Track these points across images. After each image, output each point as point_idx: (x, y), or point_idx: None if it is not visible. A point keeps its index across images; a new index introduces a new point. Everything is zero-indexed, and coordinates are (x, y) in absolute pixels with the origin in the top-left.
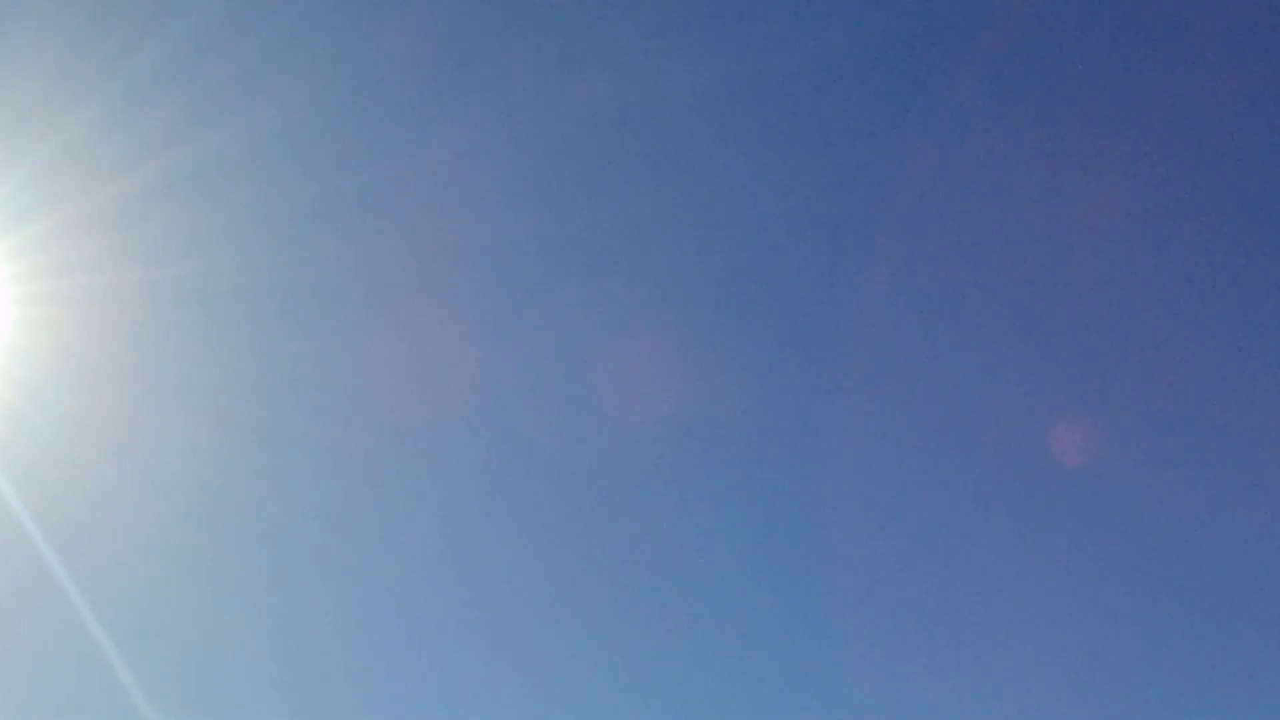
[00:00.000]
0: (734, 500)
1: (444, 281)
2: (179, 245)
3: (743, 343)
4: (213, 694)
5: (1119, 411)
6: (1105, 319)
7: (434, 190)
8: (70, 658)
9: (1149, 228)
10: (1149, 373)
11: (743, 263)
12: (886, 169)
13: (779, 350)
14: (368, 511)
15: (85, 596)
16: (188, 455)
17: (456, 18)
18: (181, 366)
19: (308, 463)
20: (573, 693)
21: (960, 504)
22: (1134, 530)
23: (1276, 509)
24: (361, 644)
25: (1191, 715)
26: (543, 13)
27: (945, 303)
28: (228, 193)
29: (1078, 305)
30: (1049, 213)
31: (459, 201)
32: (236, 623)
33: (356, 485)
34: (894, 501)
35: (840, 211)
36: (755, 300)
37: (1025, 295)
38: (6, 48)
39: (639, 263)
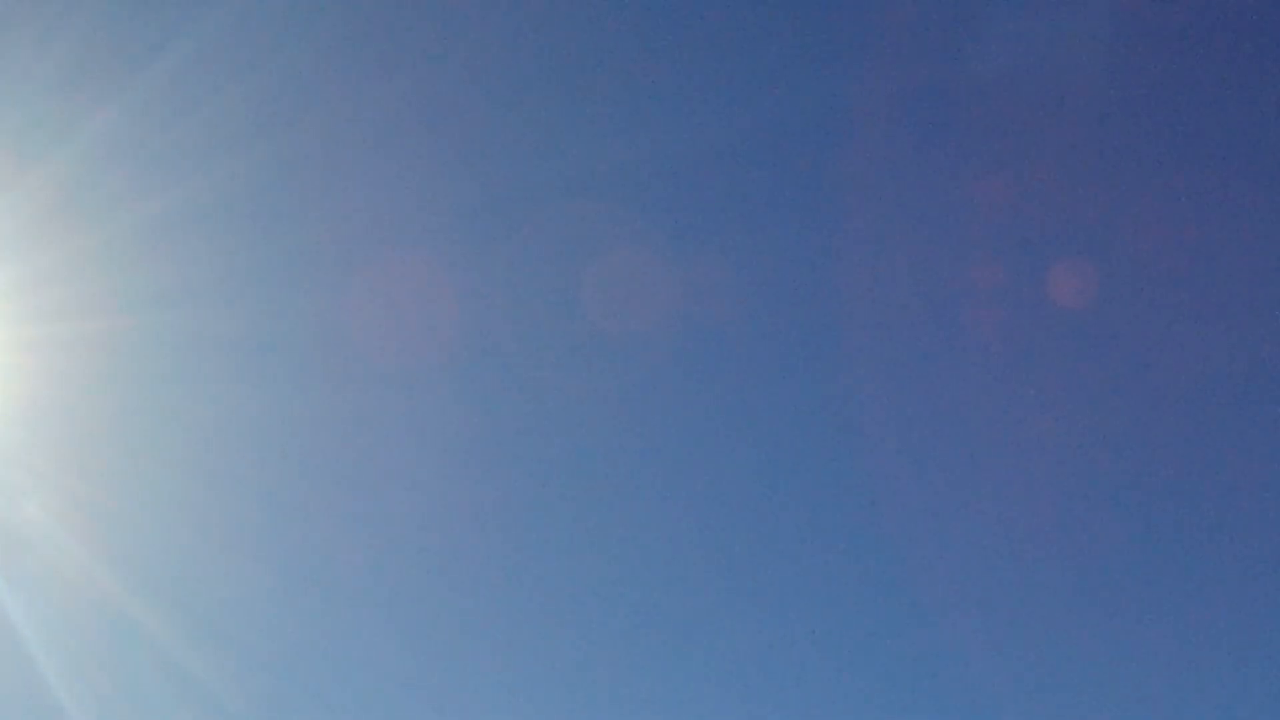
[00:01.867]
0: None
1: (424, 335)
2: (157, 294)
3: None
4: None
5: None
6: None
7: (409, 247)
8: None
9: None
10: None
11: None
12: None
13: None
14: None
15: (45, 646)
16: (163, 506)
17: (427, 69)
18: (158, 417)
19: (284, 515)
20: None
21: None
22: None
23: None
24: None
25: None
26: None
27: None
28: (208, 243)
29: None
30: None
31: (435, 256)
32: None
33: (339, 538)
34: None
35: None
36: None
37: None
38: None
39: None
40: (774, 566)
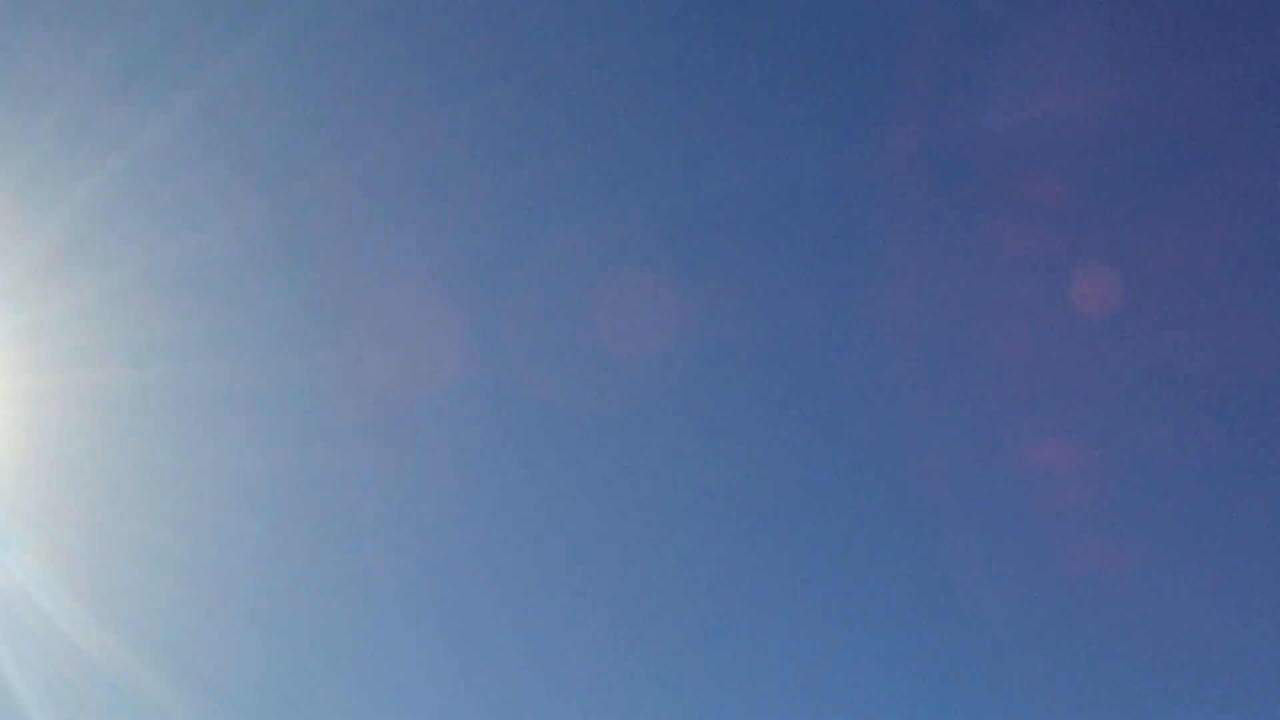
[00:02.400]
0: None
1: (428, 391)
2: (153, 347)
3: None
4: None
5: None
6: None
7: (420, 298)
8: None
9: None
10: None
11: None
12: None
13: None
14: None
15: (36, 698)
16: (155, 559)
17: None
18: (152, 470)
19: (276, 569)
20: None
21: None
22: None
23: None
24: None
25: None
26: None
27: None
28: (215, 295)
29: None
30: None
31: (441, 305)
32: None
33: (333, 594)
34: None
35: None
36: None
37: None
38: None
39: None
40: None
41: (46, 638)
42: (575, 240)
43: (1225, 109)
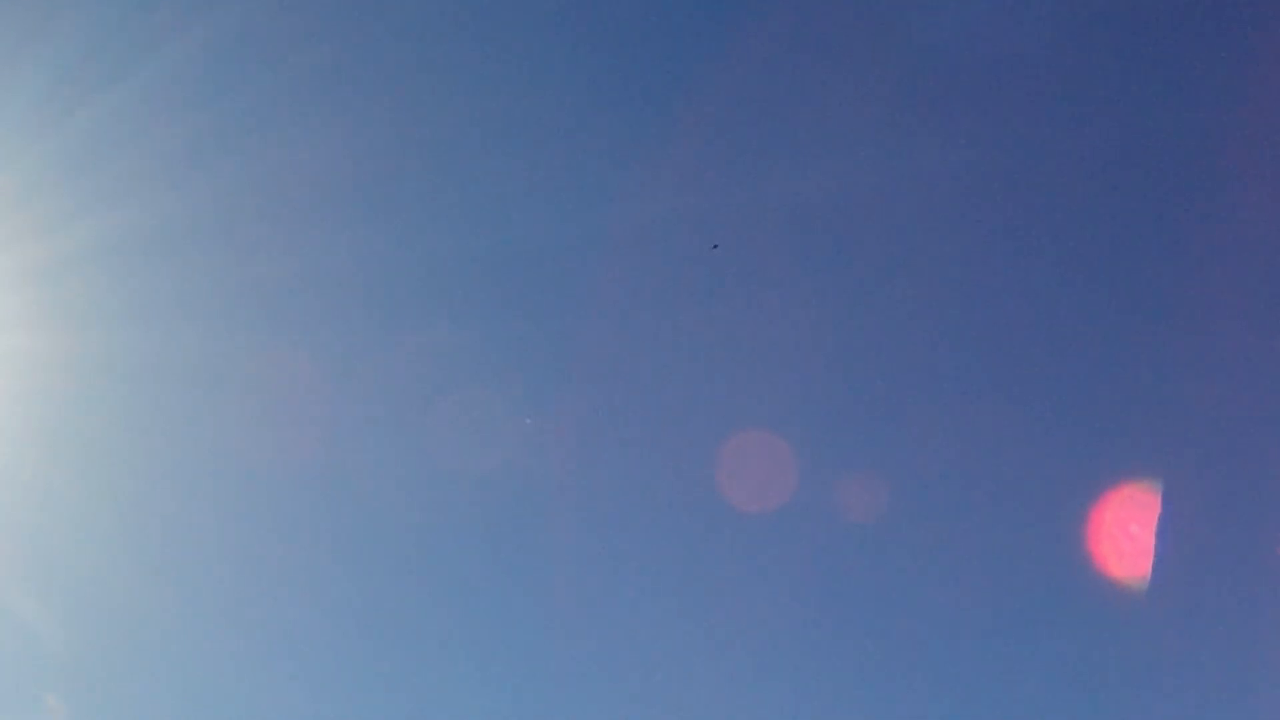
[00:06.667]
0: None
1: (388, 353)
2: (101, 312)
3: None
4: None
5: None
6: None
7: (377, 266)
8: None
9: None
10: None
11: None
12: None
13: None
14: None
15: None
16: (105, 526)
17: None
18: (96, 436)
19: (232, 535)
20: None
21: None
22: None
23: None
24: None
25: None
26: None
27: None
28: (157, 263)
29: None
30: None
31: (404, 280)
32: None
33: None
34: None
35: None
36: None
37: None
38: None
39: None
40: None
41: None
42: None
43: None
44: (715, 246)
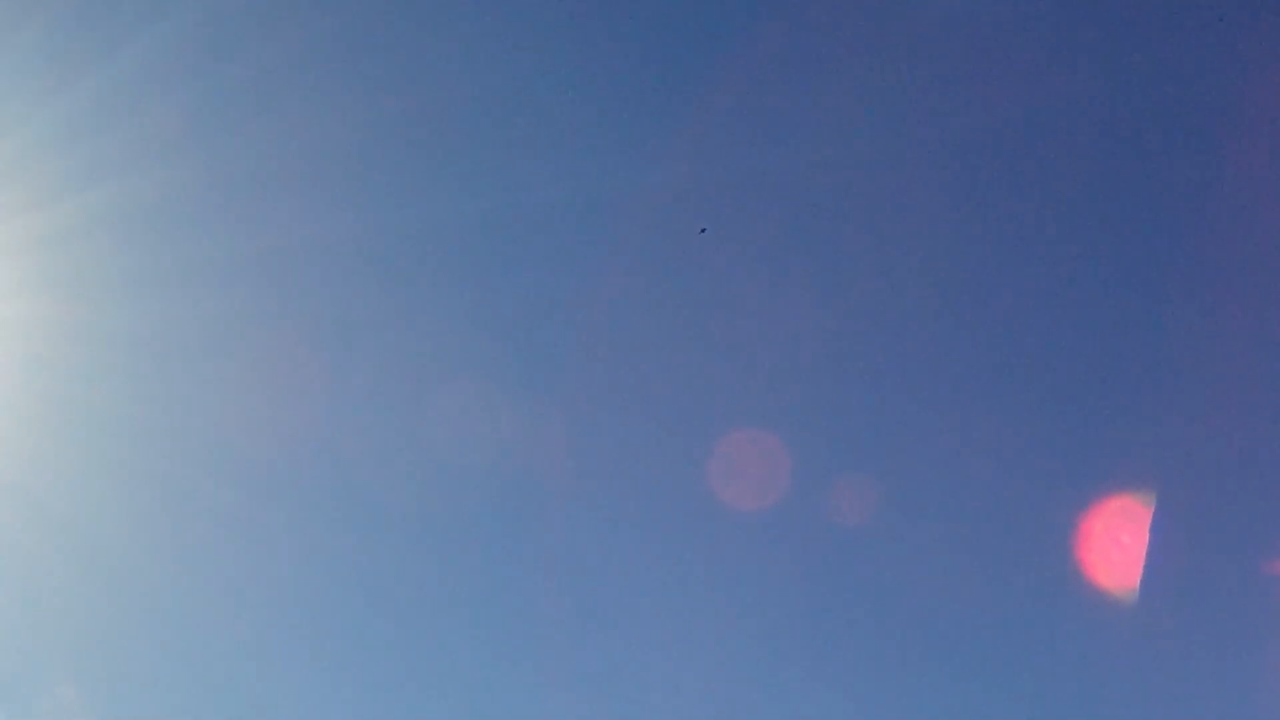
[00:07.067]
0: None
1: (375, 327)
2: (95, 283)
3: None
4: None
5: None
6: None
7: (365, 241)
8: None
9: None
10: None
11: None
12: None
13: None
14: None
15: None
16: (95, 497)
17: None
18: (90, 405)
19: (223, 505)
20: None
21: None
22: None
23: None
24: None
25: None
26: None
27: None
28: (152, 235)
29: None
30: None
31: (390, 254)
32: None
33: (285, 529)
34: None
35: None
36: None
37: None
38: None
39: None
40: None
41: None
42: None
43: None
44: (703, 230)
